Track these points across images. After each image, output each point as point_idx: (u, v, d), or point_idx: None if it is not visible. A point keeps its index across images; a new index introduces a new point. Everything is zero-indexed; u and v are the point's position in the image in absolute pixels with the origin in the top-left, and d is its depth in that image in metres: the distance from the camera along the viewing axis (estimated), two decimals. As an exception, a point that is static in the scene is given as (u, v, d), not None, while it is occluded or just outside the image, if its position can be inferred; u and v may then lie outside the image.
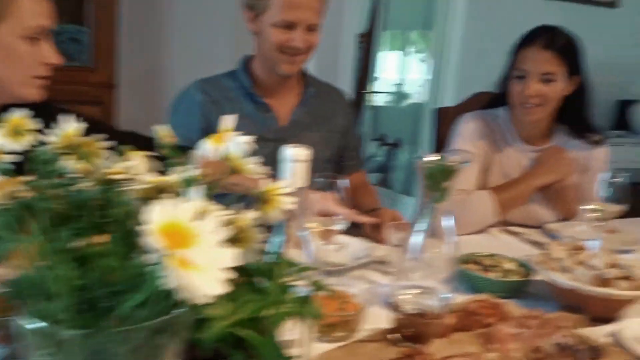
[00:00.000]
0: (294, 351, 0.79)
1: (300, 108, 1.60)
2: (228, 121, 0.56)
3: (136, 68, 2.63)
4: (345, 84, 3.12)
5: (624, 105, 4.21)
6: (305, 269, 0.66)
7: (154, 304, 0.45)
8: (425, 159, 1.01)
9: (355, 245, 1.33)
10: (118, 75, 2.42)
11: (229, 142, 0.55)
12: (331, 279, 1.15)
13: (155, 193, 0.50)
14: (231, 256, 0.43)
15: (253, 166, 0.55)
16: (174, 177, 0.52)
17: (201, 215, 0.42)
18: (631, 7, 4.00)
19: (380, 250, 1.34)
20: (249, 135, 0.56)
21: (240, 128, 0.57)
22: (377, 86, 5.25)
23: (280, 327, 0.60)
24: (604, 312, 1.08)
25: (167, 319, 0.47)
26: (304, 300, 0.66)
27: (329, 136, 1.65)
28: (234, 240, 0.57)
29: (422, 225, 1.04)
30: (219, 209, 0.46)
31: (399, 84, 5.38)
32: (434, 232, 1.05)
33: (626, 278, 1.06)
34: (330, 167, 1.66)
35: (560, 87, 1.59)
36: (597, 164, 1.71)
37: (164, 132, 0.57)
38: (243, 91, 1.56)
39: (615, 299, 1.04)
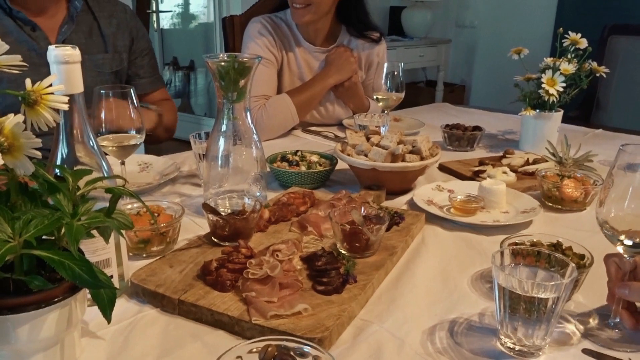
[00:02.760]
0: (107, 272, 0.73)
1: (69, 26, 1.39)
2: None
3: None
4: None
5: (396, 11, 4.58)
6: (99, 179, 0.60)
7: None
8: (216, 58, 0.96)
9: (160, 163, 1.26)
10: None
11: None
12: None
13: None
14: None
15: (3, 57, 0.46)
16: None
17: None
18: None
19: (186, 166, 1.29)
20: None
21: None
22: (161, 7, 4.90)
23: (81, 241, 0.54)
24: (400, 184, 1.20)
25: None
26: (108, 212, 0.60)
27: (111, 57, 1.48)
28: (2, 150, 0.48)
29: (222, 127, 1.01)
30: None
31: (184, 4, 5.08)
32: (236, 136, 1.03)
33: (413, 153, 1.18)
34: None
35: None
36: (378, 59, 1.84)
37: None
38: None
39: (407, 170, 1.15)
